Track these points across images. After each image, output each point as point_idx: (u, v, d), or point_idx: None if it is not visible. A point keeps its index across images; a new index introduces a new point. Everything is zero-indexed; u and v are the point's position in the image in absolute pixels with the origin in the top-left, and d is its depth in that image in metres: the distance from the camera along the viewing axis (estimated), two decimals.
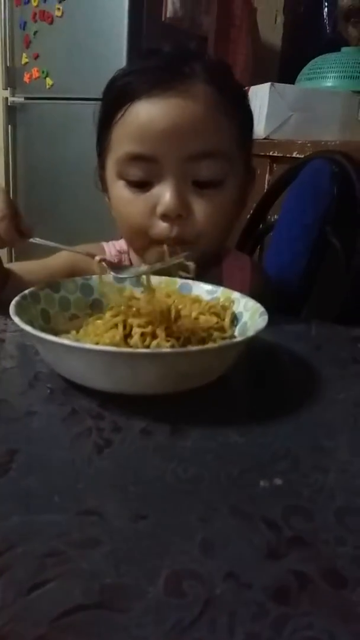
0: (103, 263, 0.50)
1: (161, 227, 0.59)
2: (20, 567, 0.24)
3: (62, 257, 0.69)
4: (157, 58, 0.61)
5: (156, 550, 0.26)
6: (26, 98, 2.30)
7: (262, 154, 1.42)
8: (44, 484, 0.31)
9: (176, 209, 0.57)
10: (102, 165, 0.66)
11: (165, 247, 0.59)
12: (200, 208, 0.58)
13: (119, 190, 0.61)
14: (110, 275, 0.56)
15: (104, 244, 0.74)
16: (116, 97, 0.60)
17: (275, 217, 1.19)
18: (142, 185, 0.59)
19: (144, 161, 0.58)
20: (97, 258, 0.50)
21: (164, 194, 0.57)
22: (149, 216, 0.59)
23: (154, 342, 0.46)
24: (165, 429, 0.38)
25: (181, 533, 0.27)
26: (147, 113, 0.57)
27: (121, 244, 0.73)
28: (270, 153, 1.37)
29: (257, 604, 0.23)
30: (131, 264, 0.72)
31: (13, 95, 2.34)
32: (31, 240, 0.54)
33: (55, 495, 0.30)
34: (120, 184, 0.61)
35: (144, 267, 0.53)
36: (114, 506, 0.29)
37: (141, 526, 0.28)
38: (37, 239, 0.53)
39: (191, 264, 0.51)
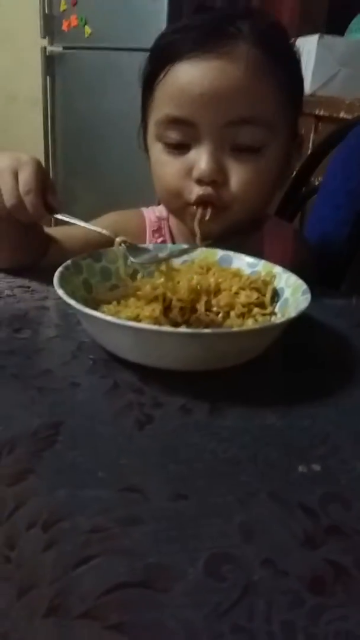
0: (123, 245, 0.49)
1: (196, 190, 0.58)
2: (67, 542, 0.26)
3: (105, 221, 0.69)
4: (204, 16, 0.58)
5: (196, 531, 0.27)
6: (64, 47, 2.25)
7: (307, 112, 1.36)
8: (88, 459, 0.32)
9: (211, 174, 0.56)
10: (144, 125, 0.65)
11: (199, 210, 0.59)
12: (237, 174, 0.57)
13: (157, 153, 0.61)
14: (150, 245, 0.56)
15: (144, 210, 0.73)
16: (159, 57, 0.59)
17: (320, 179, 1.15)
18: (179, 148, 0.58)
19: (182, 124, 0.57)
20: (118, 240, 0.49)
21: (200, 159, 0.56)
22: (185, 179, 0.59)
23: (193, 317, 0.47)
24: (205, 406, 0.38)
25: (220, 515, 0.28)
26: (186, 75, 0.55)
27: (161, 210, 0.72)
28: (316, 112, 1.31)
29: (293, 592, 0.24)
30: (170, 230, 0.72)
31: (51, 44, 2.28)
32: (57, 216, 0.53)
33: (100, 470, 0.31)
34: (159, 146, 0.60)
35: (163, 253, 0.52)
36: (155, 484, 0.30)
37: (181, 506, 0.29)
38: (65, 215, 0.53)
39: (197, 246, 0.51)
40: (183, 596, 0.23)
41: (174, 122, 0.57)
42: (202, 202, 0.58)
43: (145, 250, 0.50)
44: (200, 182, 0.57)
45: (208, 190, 0.57)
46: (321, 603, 0.24)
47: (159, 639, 0.22)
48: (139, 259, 0.47)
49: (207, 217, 0.58)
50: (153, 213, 0.72)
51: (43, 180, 0.52)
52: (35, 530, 0.26)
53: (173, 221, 0.71)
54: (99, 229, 0.50)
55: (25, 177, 0.51)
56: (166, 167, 0.60)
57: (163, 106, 0.58)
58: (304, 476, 0.32)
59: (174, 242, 0.71)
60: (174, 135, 0.58)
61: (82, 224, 0.51)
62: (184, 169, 0.58)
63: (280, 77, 0.57)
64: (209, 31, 0.55)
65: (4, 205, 0.52)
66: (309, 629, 0.23)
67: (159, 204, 0.75)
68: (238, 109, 0.55)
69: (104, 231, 0.49)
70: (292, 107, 0.61)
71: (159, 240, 0.71)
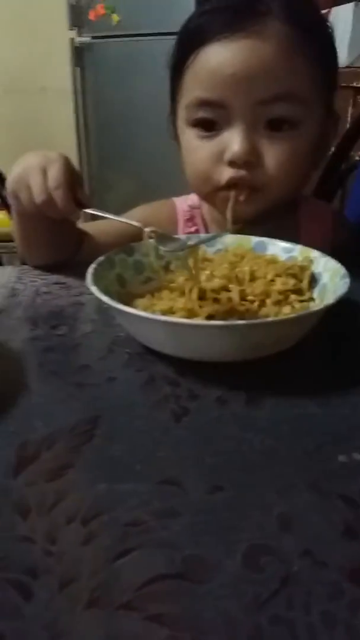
0: (152, 235, 0.49)
1: (229, 173, 0.57)
2: (106, 535, 0.26)
3: (137, 214, 0.69)
4: None
5: (234, 523, 0.27)
6: (93, 37, 2.25)
7: (345, 84, 1.32)
8: (126, 452, 0.32)
9: (244, 155, 0.55)
10: (173, 112, 0.64)
11: (232, 193, 0.57)
12: (271, 154, 0.56)
13: (188, 138, 0.60)
14: (183, 237, 0.56)
15: (175, 200, 0.73)
16: (187, 41, 0.58)
17: None
18: (210, 131, 0.57)
19: (214, 106, 0.56)
20: (147, 230, 0.49)
21: (233, 140, 0.55)
22: (216, 163, 0.58)
23: (228, 306, 0.46)
24: (241, 397, 0.38)
25: (258, 507, 0.28)
26: (216, 56, 0.54)
27: (193, 199, 0.72)
28: (354, 84, 1.27)
29: (333, 583, 0.24)
30: (203, 219, 0.71)
31: (79, 35, 2.29)
32: (88, 211, 0.53)
33: (137, 463, 0.31)
34: (189, 131, 0.60)
35: (192, 241, 0.52)
36: (192, 476, 0.30)
37: (218, 498, 0.29)
38: (94, 209, 0.53)
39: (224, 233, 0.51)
40: (221, 587, 0.24)
41: (205, 104, 0.56)
42: (234, 184, 0.57)
43: (176, 239, 0.50)
44: (233, 164, 0.56)
45: (240, 172, 0.56)
46: None
47: (198, 629, 0.22)
48: (169, 248, 0.47)
49: (241, 199, 0.58)
50: (185, 202, 0.72)
51: (71, 176, 0.53)
52: (75, 524, 0.27)
53: (206, 209, 0.71)
54: (128, 221, 0.50)
55: (54, 173, 0.52)
56: (197, 151, 0.59)
57: (193, 89, 0.57)
58: (345, 466, 0.31)
59: (207, 230, 0.71)
60: (205, 116, 0.57)
61: (111, 217, 0.51)
62: (215, 153, 0.57)
63: (313, 52, 0.55)
64: (238, 11, 0.54)
65: (34, 201, 0.53)
66: (349, 620, 0.22)
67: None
68: (270, 87, 0.54)
69: (134, 222, 0.49)
70: (326, 83, 0.59)
71: (192, 229, 0.70)
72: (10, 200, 0.56)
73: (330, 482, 0.30)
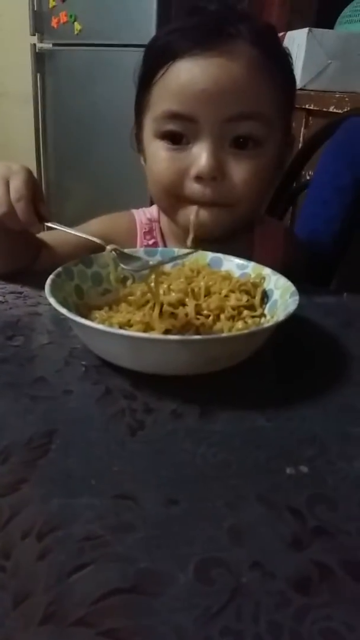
0: (114, 252, 0.49)
1: (194, 188, 0.58)
2: (61, 551, 0.26)
3: (96, 224, 0.69)
4: (201, 17, 0.59)
5: (187, 536, 0.28)
6: (54, 44, 2.23)
7: (298, 106, 1.36)
8: (81, 466, 0.32)
9: (211, 171, 0.56)
10: (139, 125, 0.65)
11: (195, 207, 0.59)
12: (236, 171, 0.58)
13: (155, 150, 0.61)
14: (141, 250, 0.57)
15: (134, 212, 0.73)
16: (157, 56, 0.59)
17: (311, 173, 1.15)
18: (177, 144, 0.58)
19: (182, 120, 0.57)
20: (109, 248, 0.50)
21: (200, 155, 0.57)
22: (183, 177, 0.59)
23: (184, 320, 0.47)
24: (195, 411, 0.39)
25: (210, 520, 0.29)
26: (188, 72, 0.56)
27: (152, 212, 0.73)
28: (307, 106, 1.31)
29: (280, 593, 0.25)
30: (162, 232, 0.72)
31: (41, 41, 2.27)
32: (48, 224, 0.53)
33: (93, 478, 0.32)
34: (157, 143, 0.60)
35: (153, 260, 0.53)
36: (147, 490, 0.31)
37: (172, 511, 0.30)
38: (55, 223, 0.53)
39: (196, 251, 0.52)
40: (174, 601, 0.24)
41: (174, 117, 0.57)
42: (198, 201, 0.59)
43: (137, 258, 0.50)
44: (198, 179, 0.57)
45: (206, 189, 0.58)
46: (307, 603, 0.25)
47: None
48: (130, 266, 0.48)
49: (203, 214, 0.59)
50: (144, 215, 0.73)
51: (34, 189, 0.53)
52: (30, 540, 0.27)
53: (164, 222, 0.72)
54: (90, 237, 0.50)
55: (16, 185, 0.52)
56: (164, 163, 0.59)
57: (163, 102, 0.58)
58: (292, 478, 0.33)
59: (165, 244, 0.72)
60: (173, 129, 0.58)
61: (72, 231, 0.52)
62: (182, 167, 0.58)
63: (276, 75, 0.58)
64: (209, 31, 0.56)
65: None
66: (295, 628, 0.23)
67: (151, 204, 0.75)
68: (239, 104, 0.56)
69: (96, 239, 0.50)
70: (286, 105, 0.62)
71: (151, 241, 0.71)
72: None
73: (278, 494, 0.31)
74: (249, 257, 0.56)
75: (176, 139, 0.58)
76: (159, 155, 0.60)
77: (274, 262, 0.65)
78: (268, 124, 0.58)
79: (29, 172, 0.54)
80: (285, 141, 0.65)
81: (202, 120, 0.56)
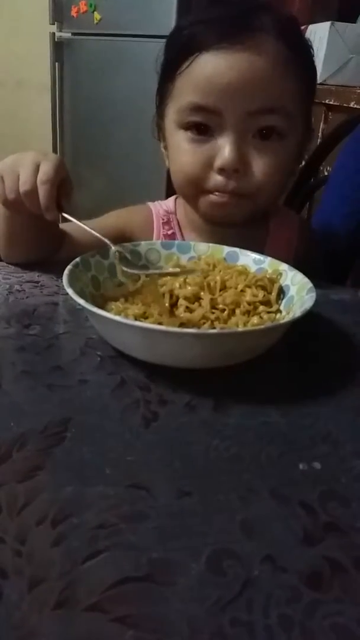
0: (117, 254, 0.51)
1: (217, 180, 0.59)
2: (75, 538, 0.27)
3: (113, 217, 0.70)
4: (225, 8, 0.58)
5: (199, 528, 0.28)
6: (73, 34, 2.23)
7: (317, 100, 1.35)
8: (96, 455, 0.33)
9: (234, 164, 0.57)
10: (160, 114, 0.65)
11: (216, 196, 0.59)
12: (258, 163, 0.58)
13: (178, 140, 0.61)
14: (158, 242, 0.57)
15: (150, 204, 0.73)
16: (182, 47, 0.59)
17: (329, 168, 1.14)
18: (201, 135, 0.59)
19: (207, 112, 0.58)
20: (114, 249, 0.51)
21: (223, 148, 0.57)
22: (206, 168, 0.59)
23: (199, 314, 0.47)
24: (209, 404, 0.39)
25: (222, 512, 0.29)
26: (214, 65, 0.56)
27: (168, 205, 0.73)
28: (327, 101, 1.30)
29: (291, 587, 0.25)
30: (179, 224, 0.72)
31: (60, 30, 2.27)
32: (65, 215, 0.54)
33: (107, 467, 0.32)
34: (180, 133, 0.61)
35: (153, 269, 0.54)
36: (160, 481, 0.31)
37: (185, 503, 0.30)
38: (71, 216, 0.53)
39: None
40: (186, 590, 0.25)
41: (198, 109, 0.58)
42: (220, 191, 0.59)
43: (139, 265, 0.53)
44: (222, 171, 0.58)
45: (229, 181, 0.58)
46: (318, 598, 0.25)
47: (163, 631, 0.23)
48: (131, 269, 0.49)
49: (225, 201, 0.59)
50: (160, 207, 0.73)
51: (62, 178, 0.54)
52: (45, 526, 0.27)
53: (181, 213, 0.72)
54: (99, 236, 0.51)
55: (46, 168, 0.53)
56: (187, 155, 0.60)
57: (187, 94, 0.58)
58: (305, 474, 0.33)
59: (182, 234, 0.72)
60: (197, 120, 0.58)
61: (84, 226, 0.52)
62: (205, 158, 0.59)
63: (299, 69, 0.58)
64: (233, 23, 0.56)
65: (17, 189, 0.53)
66: (305, 622, 0.24)
67: (167, 196, 0.75)
68: (263, 98, 0.56)
69: (105, 240, 0.51)
70: (307, 98, 0.62)
71: (169, 232, 0.71)
72: None
73: (290, 489, 0.32)
74: (263, 244, 0.56)
75: (200, 130, 0.59)
76: (182, 147, 0.60)
77: (288, 251, 0.65)
78: (290, 117, 0.59)
79: (61, 162, 0.54)
80: (306, 133, 0.65)
81: (227, 113, 0.57)
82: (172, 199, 0.74)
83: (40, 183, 0.52)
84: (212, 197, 0.60)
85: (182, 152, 0.60)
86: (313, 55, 0.63)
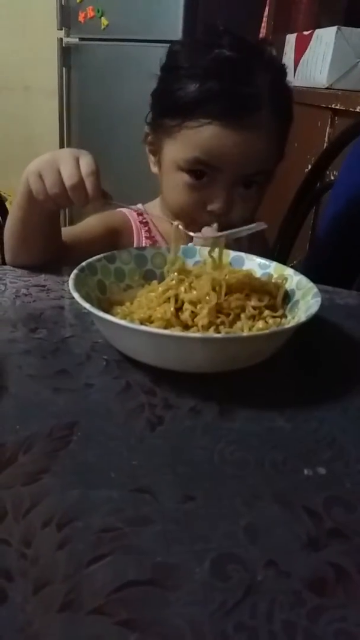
0: (180, 227, 0.56)
1: (206, 217, 0.68)
2: (80, 541, 0.27)
3: (94, 219, 0.75)
4: (223, 66, 0.63)
5: (203, 532, 0.28)
6: (81, 39, 2.24)
7: (323, 105, 1.35)
8: (101, 459, 0.33)
9: (224, 211, 0.67)
10: (157, 136, 0.71)
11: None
12: (241, 207, 0.69)
13: (177, 180, 0.68)
14: (163, 247, 0.57)
15: (125, 210, 0.77)
16: (187, 105, 0.64)
17: (335, 173, 1.14)
18: (198, 179, 0.67)
19: (209, 166, 0.66)
20: (175, 223, 0.56)
21: (217, 197, 0.67)
22: (199, 208, 0.68)
23: (204, 318, 0.47)
24: (214, 408, 0.39)
25: (226, 517, 0.29)
26: (221, 138, 0.64)
27: (139, 208, 0.77)
28: (333, 105, 1.30)
29: (295, 593, 0.25)
30: (157, 228, 0.77)
31: (67, 35, 2.28)
32: (113, 202, 0.57)
33: (112, 471, 0.32)
34: (179, 174, 0.68)
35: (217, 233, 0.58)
36: (165, 485, 0.31)
37: (189, 507, 0.30)
38: (116, 201, 0.57)
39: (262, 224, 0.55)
40: (189, 594, 0.25)
41: (202, 163, 0.65)
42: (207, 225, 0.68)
43: (145, 260, 0.57)
44: (212, 212, 0.68)
45: (217, 220, 0.67)
46: (322, 604, 0.25)
47: (166, 635, 0.23)
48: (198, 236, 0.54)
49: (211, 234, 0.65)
50: (134, 213, 0.77)
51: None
52: (50, 529, 0.27)
53: (155, 221, 0.77)
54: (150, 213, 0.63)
55: (88, 160, 0.55)
56: (184, 195, 0.68)
57: (194, 150, 0.65)
58: (309, 479, 0.33)
59: (164, 238, 0.77)
60: (198, 169, 0.66)
61: (131, 207, 0.61)
62: (200, 199, 0.68)
63: (285, 131, 0.70)
64: (236, 100, 0.63)
65: (61, 185, 0.55)
66: (309, 628, 0.24)
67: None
68: (256, 166, 0.67)
69: (155, 213, 0.62)
70: (284, 142, 0.72)
71: (145, 229, 0.77)
72: (31, 181, 0.56)
73: (295, 494, 0.32)
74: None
75: (197, 176, 0.67)
76: (180, 187, 0.68)
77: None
78: (272, 173, 0.71)
79: (93, 156, 0.57)
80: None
81: (225, 173, 0.66)
82: (139, 205, 0.80)
83: (86, 175, 0.55)
84: (202, 227, 0.66)
85: (179, 191, 0.69)
86: (292, 99, 0.71)
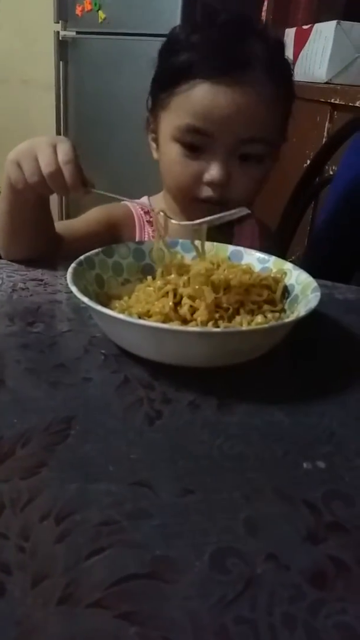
0: (161, 213, 0.54)
1: (205, 190, 0.66)
2: (79, 534, 0.27)
3: (95, 212, 0.74)
4: (221, 31, 0.63)
5: (203, 526, 0.28)
6: (78, 32, 2.23)
7: (322, 100, 1.35)
8: (99, 453, 0.33)
9: (221, 180, 0.64)
10: (155, 116, 0.69)
11: (206, 206, 0.65)
12: (240, 179, 0.66)
13: (173, 152, 0.66)
14: (161, 242, 0.57)
15: (128, 203, 0.76)
16: (180, 70, 0.63)
17: (334, 168, 1.14)
18: (194, 151, 0.65)
19: (202, 135, 0.63)
20: (157, 210, 0.56)
21: (214, 166, 0.64)
22: (197, 180, 0.66)
23: (203, 312, 0.47)
24: (213, 402, 0.39)
25: (226, 510, 0.29)
26: (213, 97, 0.62)
27: (144, 203, 0.76)
28: (332, 100, 1.30)
29: (295, 586, 0.25)
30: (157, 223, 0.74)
31: (64, 29, 2.27)
32: (94, 190, 0.55)
33: (110, 464, 0.32)
34: (174, 146, 0.66)
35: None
36: (164, 479, 0.31)
37: (188, 501, 0.30)
38: (98, 190, 0.55)
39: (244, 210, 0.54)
40: (189, 588, 0.25)
41: (195, 131, 0.63)
42: (207, 200, 0.66)
43: (143, 254, 0.56)
44: (210, 184, 0.65)
45: (215, 192, 0.66)
46: (321, 597, 0.25)
47: (166, 628, 0.23)
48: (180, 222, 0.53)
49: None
50: (138, 207, 0.76)
51: (78, 155, 0.55)
52: (49, 522, 0.27)
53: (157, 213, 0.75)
54: (134, 201, 0.59)
55: (65, 148, 0.54)
56: (180, 167, 0.66)
57: (185, 116, 0.63)
58: (309, 473, 0.33)
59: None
60: (192, 141, 0.64)
61: (118, 197, 0.55)
62: (197, 172, 0.65)
63: (282, 99, 0.66)
64: (231, 57, 0.61)
65: (38, 173, 0.54)
66: (309, 621, 0.24)
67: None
68: (252, 130, 0.64)
69: (138, 202, 0.54)
70: (286, 118, 0.69)
71: (151, 228, 0.75)
72: (10, 170, 0.56)
73: (294, 488, 0.31)
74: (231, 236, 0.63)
75: (192, 148, 0.65)
76: (175, 159, 0.66)
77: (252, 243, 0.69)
78: (270, 144, 0.67)
79: (69, 141, 0.56)
80: (280, 140, 0.70)
81: (220, 138, 0.63)
82: (144, 198, 0.79)
83: (63, 163, 0.53)
84: (204, 207, 0.65)
85: (175, 164, 0.66)
86: (292, 75, 0.69)
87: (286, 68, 0.68)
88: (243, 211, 0.52)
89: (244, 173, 0.66)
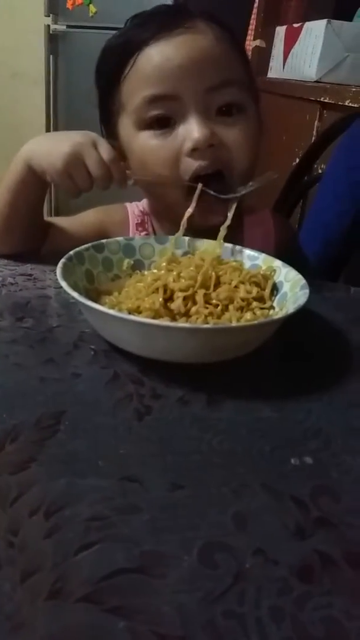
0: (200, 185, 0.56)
1: (191, 163, 0.57)
2: (68, 529, 0.27)
3: (92, 214, 0.71)
4: (158, 8, 0.63)
5: (191, 520, 0.28)
6: (68, 26, 2.22)
7: (312, 98, 1.35)
8: (88, 448, 0.33)
9: (206, 140, 0.56)
10: (112, 134, 0.65)
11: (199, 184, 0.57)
12: (228, 135, 0.58)
13: (142, 141, 0.59)
14: (152, 238, 0.57)
15: (127, 205, 0.73)
16: (121, 52, 0.59)
17: (323, 166, 1.15)
18: (164, 127, 0.58)
19: (165, 101, 0.57)
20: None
21: (191, 129, 0.56)
22: (178, 157, 0.57)
23: (193, 309, 0.47)
24: (202, 398, 0.39)
25: (214, 505, 0.30)
26: (160, 53, 0.56)
27: (144, 205, 0.72)
28: (321, 99, 1.30)
29: (282, 580, 0.25)
30: (153, 228, 0.71)
31: (55, 22, 2.25)
32: (130, 181, 0.58)
33: (100, 459, 0.32)
34: (142, 134, 0.59)
35: (150, 263, 0.56)
36: (153, 474, 0.31)
37: (178, 496, 0.30)
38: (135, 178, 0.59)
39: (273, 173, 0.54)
40: (178, 582, 0.25)
41: (156, 100, 0.57)
42: (199, 173, 0.57)
43: (134, 250, 0.57)
44: (195, 152, 0.56)
45: (205, 158, 0.57)
46: (308, 591, 0.25)
47: (155, 622, 0.23)
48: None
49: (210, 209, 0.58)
50: (137, 207, 0.72)
51: None
52: (38, 518, 0.27)
53: (154, 217, 0.72)
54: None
55: (106, 146, 0.56)
56: (155, 151, 0.58)
57: (140, 91, 0.57)
58: (296, 469, 0.33)
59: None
60: (158, 113, 0.57)
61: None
62: (174, 148, 0.57)
63: (237, 47, 0.60)
64: (168, 15, 0.59)
65: (90, 177, 0.56)
66: (296, 615, 0.24)
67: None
68: (215, 74, 0.57)
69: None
70: (250, 75, 0.63)
71: (143, 233, 0.71)
72: (59, 180, 0.57)
73: (282, 483, 0.32)
74: (240, 241, 0.57)
75: (162, 124, 0.58)
76: (148, 145, 0.59)
77: (264, 244, 0.65)
78: (245, 88, 0.60)
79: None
80: (257, 107, 0.64)
81: (185, 96, 0.56)
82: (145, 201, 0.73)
83: (111, 163, 0.55)
84: (201, 205, 0.57)
85: (149, 151, 0.58)
86: (247, 56, 0.65)
87: (229, 26, 0.62)
88: (273, 175, 0.52)
89: (228, 128, 0.58)
